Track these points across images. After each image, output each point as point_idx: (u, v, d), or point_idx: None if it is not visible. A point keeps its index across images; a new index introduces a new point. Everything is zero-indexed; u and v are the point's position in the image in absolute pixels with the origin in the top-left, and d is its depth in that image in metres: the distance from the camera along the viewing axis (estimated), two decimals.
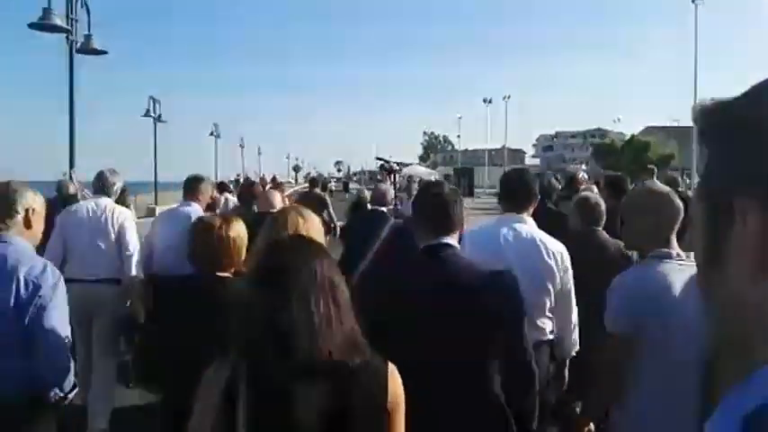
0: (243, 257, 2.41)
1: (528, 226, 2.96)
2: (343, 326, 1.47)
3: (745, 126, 0.50)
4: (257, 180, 16.47)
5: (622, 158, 47.52)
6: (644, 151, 47.77)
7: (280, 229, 2.28)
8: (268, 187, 8.58)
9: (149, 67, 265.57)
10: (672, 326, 2.02)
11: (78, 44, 8.54)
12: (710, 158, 0.53)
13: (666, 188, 2.44)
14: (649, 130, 63.58)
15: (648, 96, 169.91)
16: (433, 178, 27.38)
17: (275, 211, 3.18)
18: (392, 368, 1.54)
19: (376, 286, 2.38)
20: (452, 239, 2.23)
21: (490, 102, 60.94)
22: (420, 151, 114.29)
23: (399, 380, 1.55)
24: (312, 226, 2.34)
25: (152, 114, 21.52)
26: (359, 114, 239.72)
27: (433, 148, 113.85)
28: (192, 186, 4.77)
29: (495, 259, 2.49)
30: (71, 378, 2.36)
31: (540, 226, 3.01)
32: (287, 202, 5.24)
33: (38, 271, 2.32)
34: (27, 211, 2.45)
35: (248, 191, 6.18)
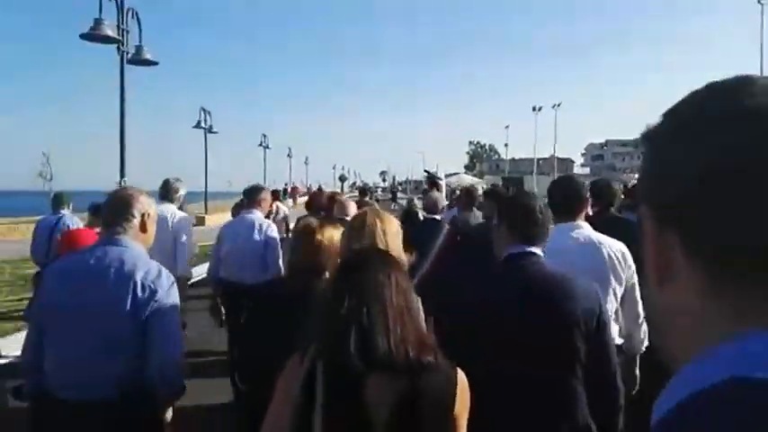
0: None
1: (585, 230, 2.96)
2: (415, 327, 1.57)
3: (647, 143, 0.56)
4: (304, 189, 16.41)
5: None
6: None
7: (359, 229, 2.37)
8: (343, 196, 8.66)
9: (196, 78, 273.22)
10: None
11: (129, 55, 8.71)
12: (639, 176, 0.59)
13: None
14: None
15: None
16: (480, 188, 27.15)
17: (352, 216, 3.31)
18: (461, 374, 1.59)
19: (454, 293, 2.41)
20: (538, 249, 2.25)
21: (540, 110, 60.03)
22: (466, 160, 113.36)
23: (467, 386, 1.59)
24: (391, 228, 2.42)
25: (203, 125, 22.05)
26: (404, 124, 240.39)
27: (479, 158, 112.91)
28: (254, 195, 5.16)
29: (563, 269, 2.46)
30: (181, 380, 2.45)
31: (607, 233, 2.96)
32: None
33: (154, 275, 2.40)
34: (143, 215, 2.55)
35: (317, 199, 6.67)
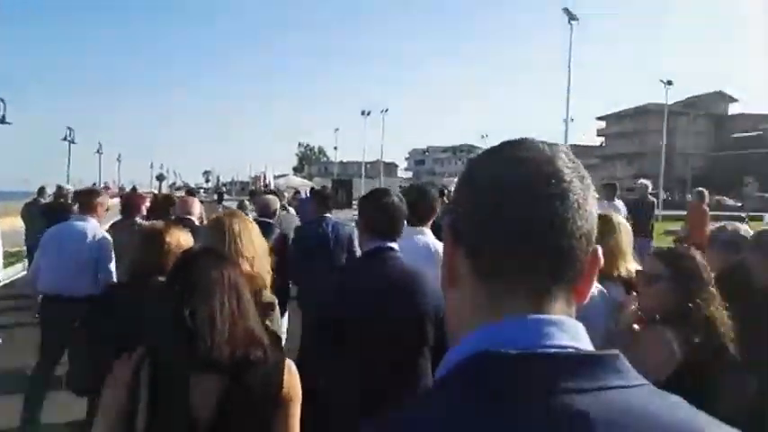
0: None
1: (426, 237, 3.28)
2: (244, 324, 1.62)
3: (458, 181, 0.77)
4: (108, 190, 14.28)
5: None
6: None
7: (222, 232, 2.45)
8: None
9: None
10: None
11: None
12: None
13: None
14: None
15: (513, 115, 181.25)
16: (306, 189, 26.81)
17: (208, 217, 3.40)
18: (289, 363, 1.70)
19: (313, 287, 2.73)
20: (395, 244, 2.43)
21: (368, 114, 61.19)
22: (295, 162, 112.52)
23: (296, 374, 1.69)
24: (251, 231, 2.54)
25: None
26: (228, 123, 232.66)
27: (308, 160, 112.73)
28: (88, 198, 4.65)
29: None
30: None
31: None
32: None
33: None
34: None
35: (133, 200, 6.16)
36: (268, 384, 1.62)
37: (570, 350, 0.64)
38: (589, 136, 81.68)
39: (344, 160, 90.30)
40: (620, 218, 2.94)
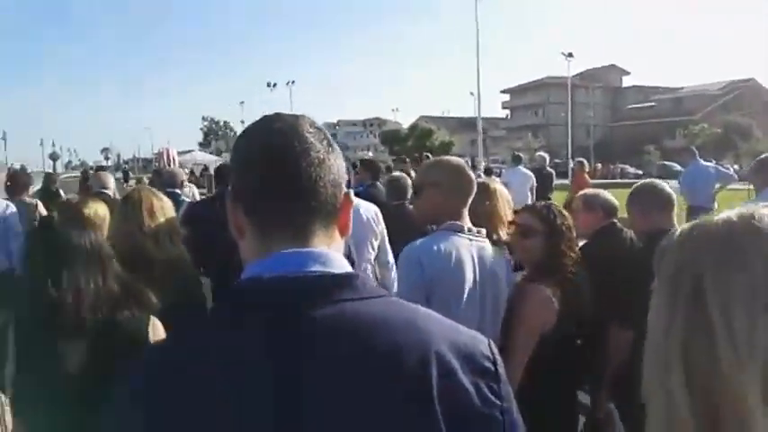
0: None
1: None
2: (108, 287, 1.77)
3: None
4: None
5: (406, 145, 50.10)
6: (427, 138, 51.12)
7: (136, 207, 2.52)
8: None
9: None
10: (454, 292, 2.20)
11: None
12: None
13: (458, 161, 2.54)
14: (424, 119, 67.95)
15: (424, 90, 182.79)
16: (214, 165, 25.49)
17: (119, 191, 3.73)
18: (153, 319, 1.83)
19: None
20: None
21: (274, 86, 59.52)
22: (200, 137, 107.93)
23: (161, 328, 1.83)
24: (166, 204, 2.63)
25: None
26: (126, 96, 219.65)
27: (215, 134, 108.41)
28: None
29: None
30: None
31: None
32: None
33: None
34: None
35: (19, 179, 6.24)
36: (134, 340, 1.72)
37: (315, 273, 0.80)
38: (495, 108, 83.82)
39: None
40: (498, 185, 3.10)
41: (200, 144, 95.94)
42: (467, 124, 65.27)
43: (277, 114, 0.91)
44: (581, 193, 3.65)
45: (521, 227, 2.53)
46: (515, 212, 2.78)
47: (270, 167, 0.84)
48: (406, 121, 72.76)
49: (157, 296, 1.93)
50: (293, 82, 58.39)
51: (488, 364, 0.80)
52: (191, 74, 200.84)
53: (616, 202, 3.40)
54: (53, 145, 73.96)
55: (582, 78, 69.69)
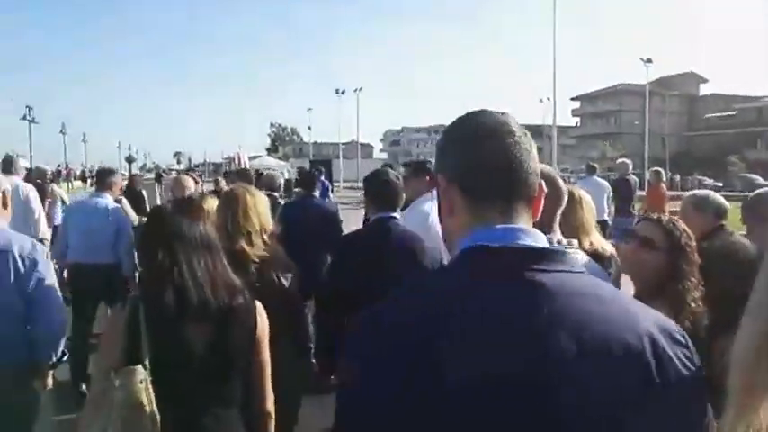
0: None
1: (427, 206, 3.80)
2: (222, 275, 1.98)
3: (439, 143, 1.07)
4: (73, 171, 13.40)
5: None
6: None
7: (235, 205, 2.75)
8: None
9: None
10: None
11: None
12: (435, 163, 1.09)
13: (549, 168, 2.49)
14: None
15: (490, 97, 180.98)
16: (285, 171, 25.78)
17: (225, 190, 3.65)
18: (259, 306, 2.05)
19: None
20: (397, 213, 3.09)
21: (343, 93, 60.01)
22: (267, 143, 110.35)
23: (265, 316, 2.06)
24: (260, 201, 2.84)
25: None
26: (199, 103, 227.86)
27: (282, 141, 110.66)
28: (103, 178, 5.31)
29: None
30: (62, 345, 2.71)
31: None
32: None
33: (30, 247, 2.59)
34: (3, 193, 2.72)
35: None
36: (247, 323, 1.97)
37: (533, 246, 0.93)
38: (563, 116, 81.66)
39: (318, 141, 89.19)
40: (583, 193, 2.98)
41: (268, 150, 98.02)
42: (533, 132, 63.72)
43: (485, 110, 1.04)
44: (690, 194, 3.59)
45: (641, 239, 2.32)
46: (637, 222, 2.62)
47: (489, 154, 0.97)
48: None
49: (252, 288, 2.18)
50: (361, 89, 58.64)
51: (680, 337, 0.90)
52: (261, 81, 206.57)
53: (727, 205, 3.30)
54: (129, 148, 77.38)
55: (657, 85, 66.92)
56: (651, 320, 0.88)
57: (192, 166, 73.79)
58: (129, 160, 63.04)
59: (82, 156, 61.29)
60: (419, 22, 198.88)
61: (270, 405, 2.09)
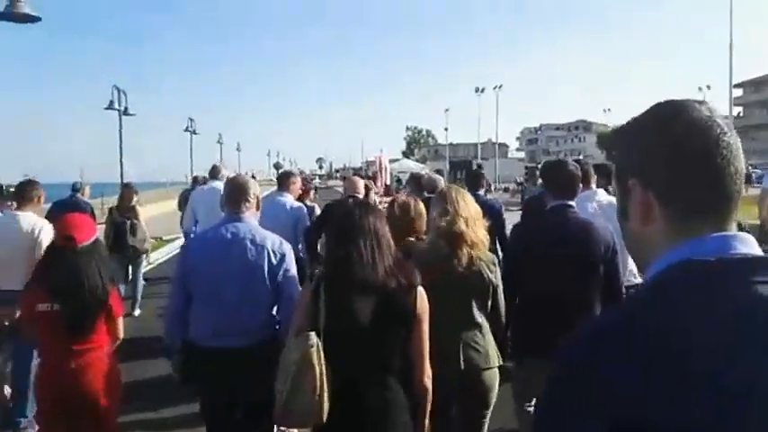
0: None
1: (602, 196, 4.43)
2: (384, 260, 2.30)
3: (631, 139, 0.95)
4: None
5: None
6: None
7: (447, 202, 3.02)
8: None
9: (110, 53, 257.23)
10: None
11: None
12: (617, 157, 0.98)
13: None
14: None
15: (632, 88, 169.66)
16: (424, 173, 25.73)
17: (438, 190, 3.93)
18: (420, 289, 2.33)
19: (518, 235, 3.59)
20: (572, 202, 3.34)
21: (482, 91, 59.00)
22: (403, 146, 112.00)
23: (425, 297, 2.35)
24: (469, 199, 3.11)
25: (117, 107, 19.07)
26: (340, 109, 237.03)
27: (417, 143, 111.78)
28: (284, 180, 6.06)
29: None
30: None
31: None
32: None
33: (279, 243, 3.07)
34: (258, 197, 3.22)
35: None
36: (405, 304, 2.28)
37: (751, 255, 0.84)
38: (723, 105, 74.15)
39: (453, 142, 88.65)
40: None
41: (403, 153, 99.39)
42: None
43: (687, 102, 0.91)
44: None
45: None
46: None
47: (703, 163, 0.86)
48: (617, 123, 67.56)
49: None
50: (501, 86, 57.34)
51: None
52: (400, 84, 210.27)
53: None
54: (277, 155, 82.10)
55: None
56: None
57: (333, 170, 76.46)
58: (277, 167, 66.75)
59: (236, 163, 65.95)
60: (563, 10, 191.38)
61: (425, 378, 2.36)
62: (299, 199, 6.25)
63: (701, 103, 0.90)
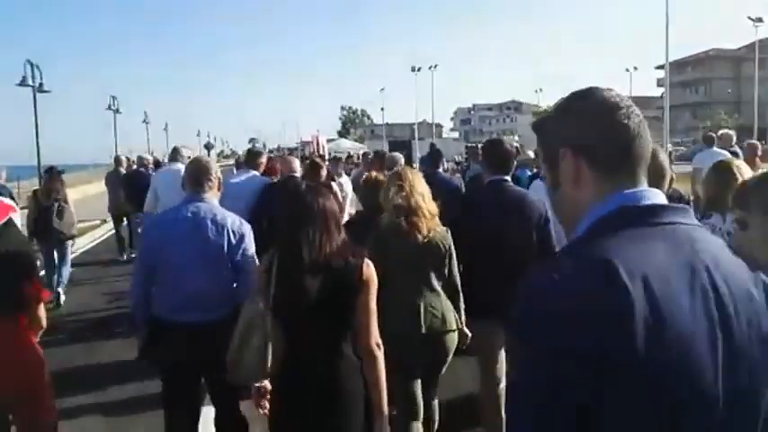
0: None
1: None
2: (332, 241, 2.47)
3: (560, 116, 1.14)
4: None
5: None
6: None
7: (403, 179, 3.35)
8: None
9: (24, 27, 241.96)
10: None
11: None
12: (547, 136, 1.16)
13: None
14: None
15: (562, 71, 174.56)
16: (360, 152, 25.61)
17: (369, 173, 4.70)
18: (367, 262, 2.52)
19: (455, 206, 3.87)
20: (508, 177, 3.71)
21: (419, 70, 59.21)
22: (339, 126, 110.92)
23: (372, 268, 2.52)
24: (421, 180, 3.44)
25: (30, 83, 17.82)
26: (271, 88, 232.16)
27: (352, 123, 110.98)
28: (253, 158, 6.26)
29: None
30: None
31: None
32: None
33: (239, 223, 3.21)
34: (219, 178, 3.36)
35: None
36: (350, 278, 2.45)
37: (665, 204, 1.05)
38: (647, 87, 77.20)
39: (389, 122, 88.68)
40: (741, 163, 3.32)
41: (339, 133, 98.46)
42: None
43: (598, 87, 1.12)
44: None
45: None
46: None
47: (621, 127, 1.06)
48: (549, 104, 69.13)
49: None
50: (436, 66, 57.66)
51: None
52: (332, 64, 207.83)
53: None
54: (208, 135, 79.71)
55: (750, 51, 62.17)
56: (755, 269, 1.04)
57: (268, 150, 75.02)
58: (208, 147, 64.85)
59: (164, 144, 63.47)
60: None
61: (372, 342, 2.48)
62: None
63: (609, 89, 1.11)
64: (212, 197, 3.23)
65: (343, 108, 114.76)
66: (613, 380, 0.86)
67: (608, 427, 0.88)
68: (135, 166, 11.32)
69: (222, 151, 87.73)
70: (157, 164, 12.17)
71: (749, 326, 0.95)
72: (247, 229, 3.20)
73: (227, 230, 3.10)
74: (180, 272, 3.04)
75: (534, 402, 0.90)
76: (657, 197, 1.05)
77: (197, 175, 3.23)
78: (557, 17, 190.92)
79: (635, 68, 58.85)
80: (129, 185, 9.84)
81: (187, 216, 3.10)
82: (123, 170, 10.99)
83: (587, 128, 1.07)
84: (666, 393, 0.87)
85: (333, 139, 44.78)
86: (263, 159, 6.44)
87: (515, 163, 3.98)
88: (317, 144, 28.52)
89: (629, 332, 0.86)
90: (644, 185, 1.06)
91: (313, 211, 2.46)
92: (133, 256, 10.35)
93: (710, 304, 0.93)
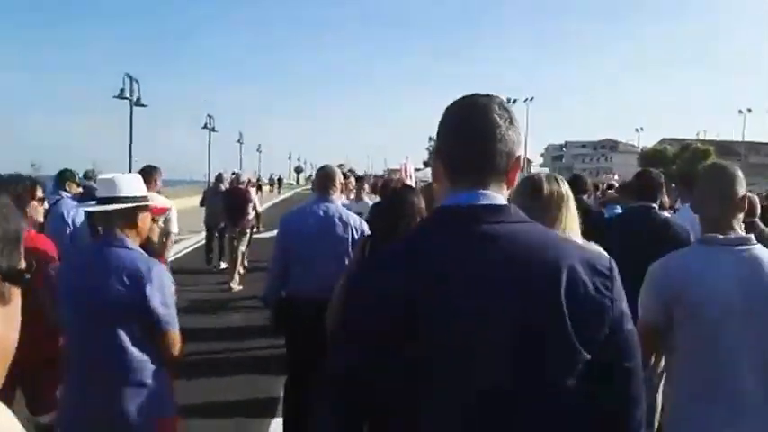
0: None
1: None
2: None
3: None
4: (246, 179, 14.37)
5: (671, 168, 43.76)
6: (700, 162, 42.27)
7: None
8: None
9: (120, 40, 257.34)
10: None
11: None
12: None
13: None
14: (667, 142, 61.24)
15: (664, 109, 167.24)
16: None
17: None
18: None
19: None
20: (655, 204, 3.98)
21: (514, 102, 58.41)
22: (425, 156, 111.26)
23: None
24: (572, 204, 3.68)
25: (128, 96, 18.43)
26: (363, 116, 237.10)
27: None
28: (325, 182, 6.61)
29: None
30: None
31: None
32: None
33: (359, 222, 3.95)
34: (342, 184, 4.45)
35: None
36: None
37: (483, 204, 1.18)
38: (761, 132, 72.15)
39: None
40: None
41: (424, 163, 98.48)
42: (722, 150, 57.17)
43: (473, 96, 1.25)
44: None
45: None
46: None
47: (464, 131, 1.22)
48: (646, 144, 65.98)
49: None
50: (531, 99, 56.68)
51: (604, 269, 1.15)
52: (426, 94, 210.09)
53: None
54: (299, 159, 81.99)
55: None
56: (578, 256, 1.15)
57: (355, 177, 75.92)
58: (298, 170, 66.68)
59: (256, 165, 65.68)
60: (592, 22, 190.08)
61: None
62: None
63: (485, 95, 1.25)
64: (337, 199, 4.04)
65: (431, 139, 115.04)
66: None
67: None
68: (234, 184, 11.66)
69: (311, 175, 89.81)
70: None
71: (513, 312, 1.10)
72: (366, 227, 3.81)
73: (351, 227, 3.87)
74: (312, 258, 3.77)
75: None
76: (487, 198, 1.19)
77: (324, 181, 4.05)
78: (667, 47, 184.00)
79: (749, 110, 54.96)
80: (227, 200, 10.33)
81: (319, 213, 3.93)
82: (224, 186, 11.34)
83: (440, 132, 1.26)
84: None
85: (419, 169, 44.73)
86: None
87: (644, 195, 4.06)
88: (405, 172, 28.44)
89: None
90: (487, 188, 1.21)
91: (405, 205, 2.94)
92: (223, 266, 10.78)
93: (478, 289, 1.11)
